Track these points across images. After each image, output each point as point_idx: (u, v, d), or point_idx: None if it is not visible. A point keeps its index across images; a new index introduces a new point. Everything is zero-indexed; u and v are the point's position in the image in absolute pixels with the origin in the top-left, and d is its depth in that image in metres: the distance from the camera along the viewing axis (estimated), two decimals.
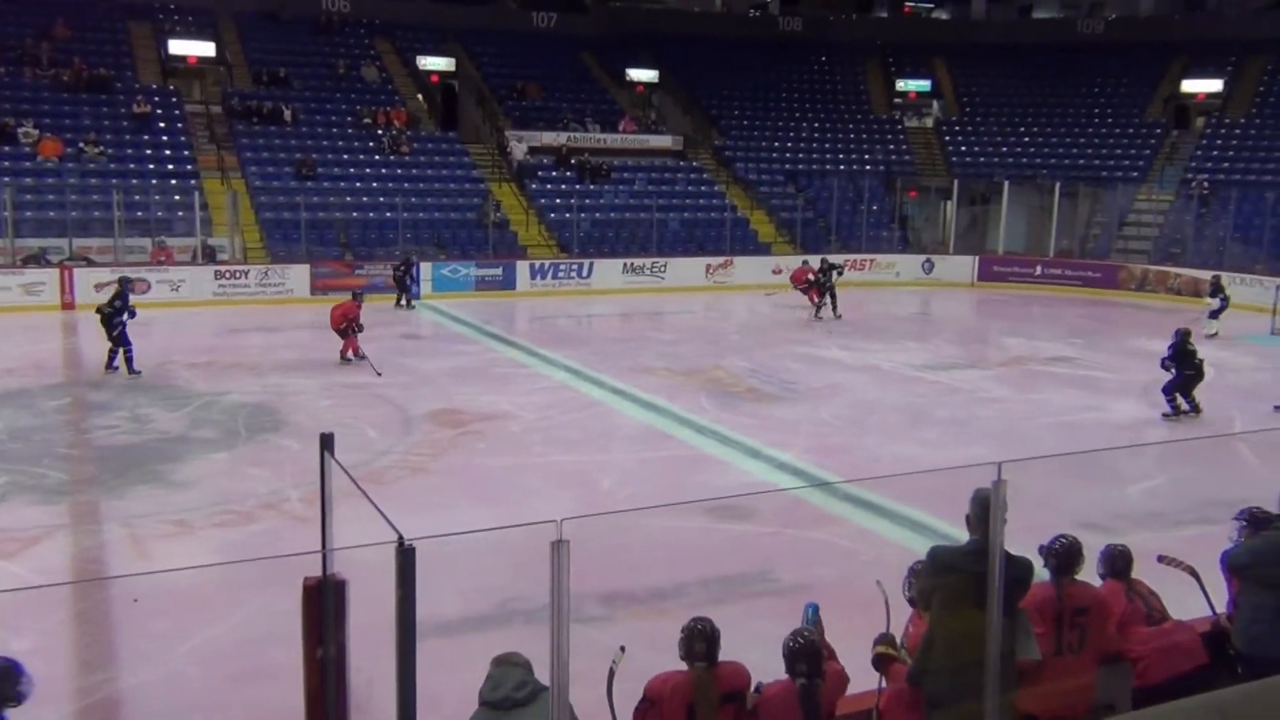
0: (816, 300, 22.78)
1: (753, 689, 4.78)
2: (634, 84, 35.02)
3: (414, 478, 10.81)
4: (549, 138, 31.13)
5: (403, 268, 23.58)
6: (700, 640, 4.69)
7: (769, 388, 15.52)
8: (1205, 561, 5.83)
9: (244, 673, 6.57)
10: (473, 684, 4.41)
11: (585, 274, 26.72)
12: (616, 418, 13.92)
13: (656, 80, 35.02)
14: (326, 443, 4.01)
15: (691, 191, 31.19)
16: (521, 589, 7.70)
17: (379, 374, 15.59)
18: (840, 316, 22.31)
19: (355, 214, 26.81)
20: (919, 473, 9.04)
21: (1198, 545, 5.92)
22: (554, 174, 30.41)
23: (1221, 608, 5.77)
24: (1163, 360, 13.93)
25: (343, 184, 27.66)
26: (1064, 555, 5.34)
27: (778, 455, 11.81)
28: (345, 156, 28.68)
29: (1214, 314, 20.84)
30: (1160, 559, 6.22)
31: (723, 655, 4.81)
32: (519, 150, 30.64)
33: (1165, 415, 13.84)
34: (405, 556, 3.34)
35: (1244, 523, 5.79)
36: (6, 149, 25.23)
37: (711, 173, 32.26)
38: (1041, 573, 5.39)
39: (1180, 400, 13.85)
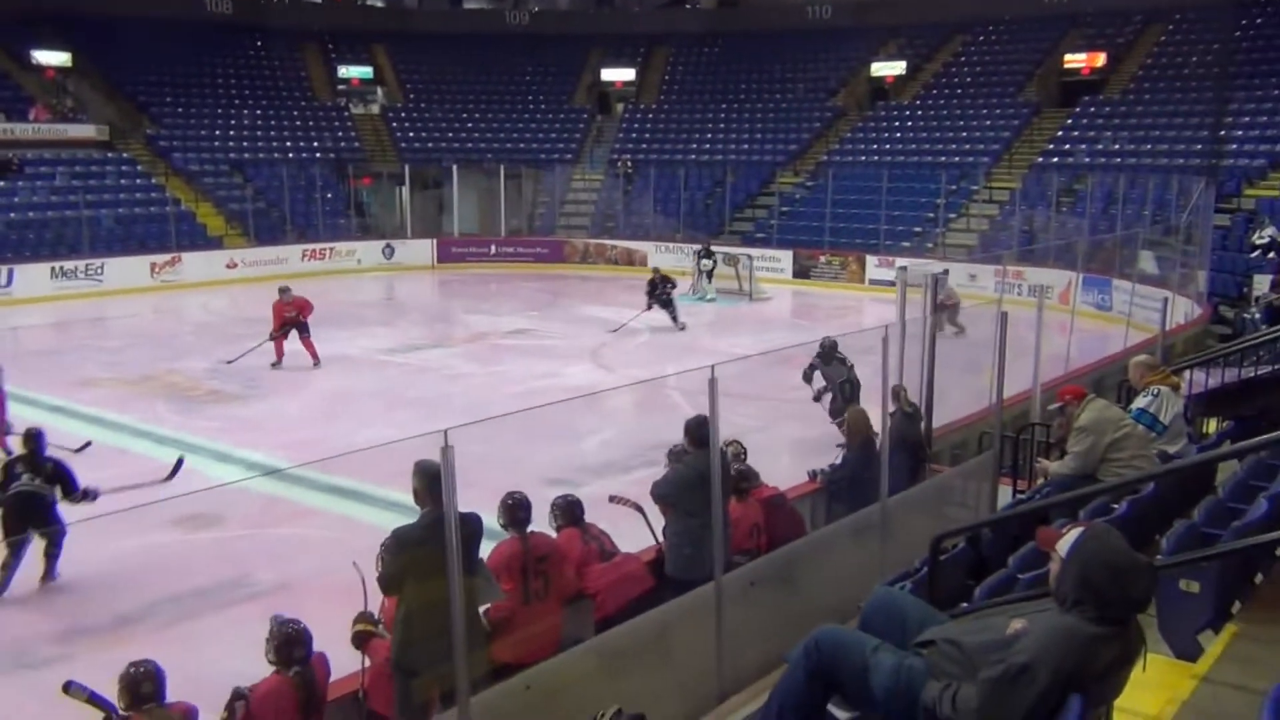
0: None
1: (233, 697, 4.63)
2: (43, 68, 31.31)
3: None
4: None
5: None
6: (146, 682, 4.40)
7: (232, 387, 14.84)
8: (649, 500, 6.61)
9: None
10: None
11: (4, 282, 23.54)
12: (58, 439, 12.51)
13: (70, 64, 31.58)
14: None
15: (125, 185, 28.62)
16: None
17: None
18: (683, 327, 19.55)
19: None
20: (370, 449, 9.14)
21: (645, 485, 6.67)
22: None
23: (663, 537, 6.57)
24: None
25: None
26: (516, 509, 5.78)
27: (248, 455, 11.38)
28: None
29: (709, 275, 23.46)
30: (611, 499, 6.96)
31: (206, 666, 4.64)
32: None
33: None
34: None
35: (670, 460, 6.65)
36: None
37: (146, 164, 29.84)
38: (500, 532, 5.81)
39: None
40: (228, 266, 26.88)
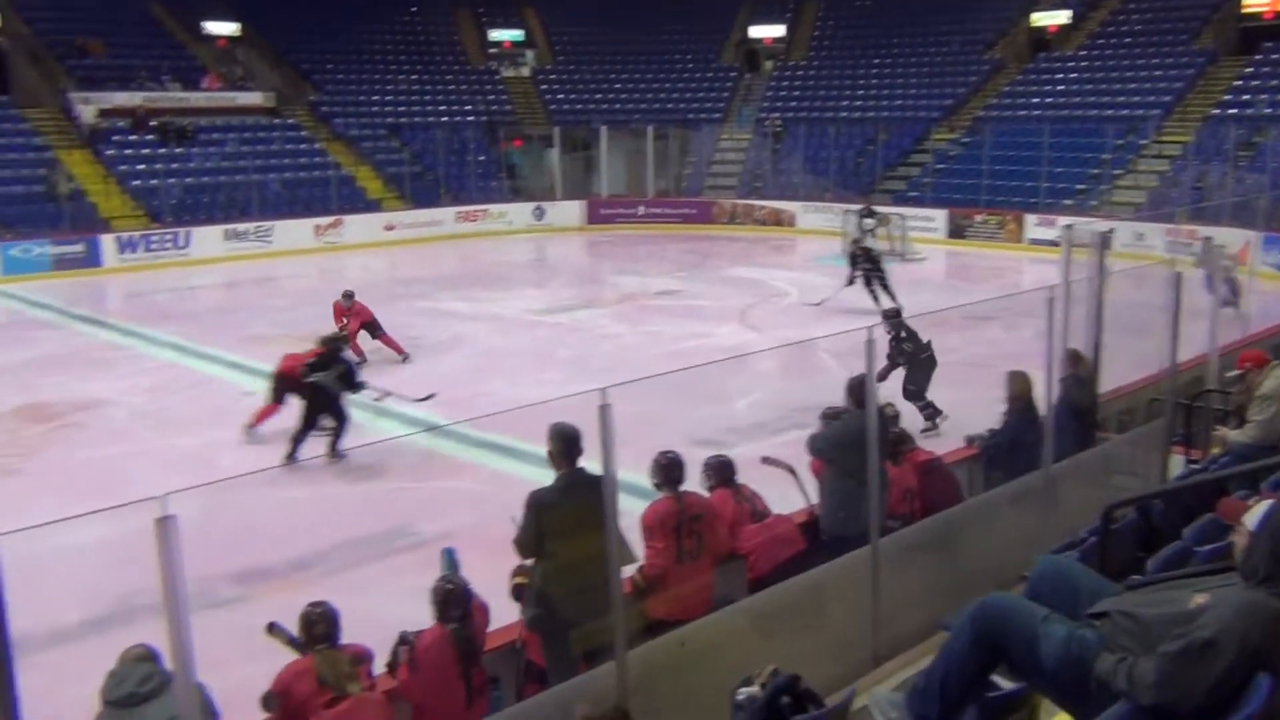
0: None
1: (398, 642, 4.82)
2: (215, 38, 32.79)
3: (3, 481, 9.75)
4: (122, 98, 28.48)
5: None
6: (322, 623, 4.60)
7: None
8: (801, 461, 6.57)
9: None
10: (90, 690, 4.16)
11: (182, 243, 24.90)
12: (232, 392, 13.23)
13: (240, 34, 32.99)
14: None
15: (289, 150, 29.79)
16: (143, 582, 7.22)
17: None
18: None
19: None
20: (532, 405, 9.32)
21: (795, 448, 6.63)
22: (131, 137, 27.93)
23: (816, 499, 6.53)
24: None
25: None
26: (670, 469, 5.81)
27: (406, 411, 11.76)
28: None
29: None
30: (764, 460, 6.93)
31: (372, 611, 4.84)
32: (88, 113, 27.84)
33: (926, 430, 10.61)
34: None
35: (824, 419, 6.58)
36: None
37: (309, 130, 30.99)
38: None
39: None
40: (386, 229, 27.73)
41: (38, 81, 29.26)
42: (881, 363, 10.56)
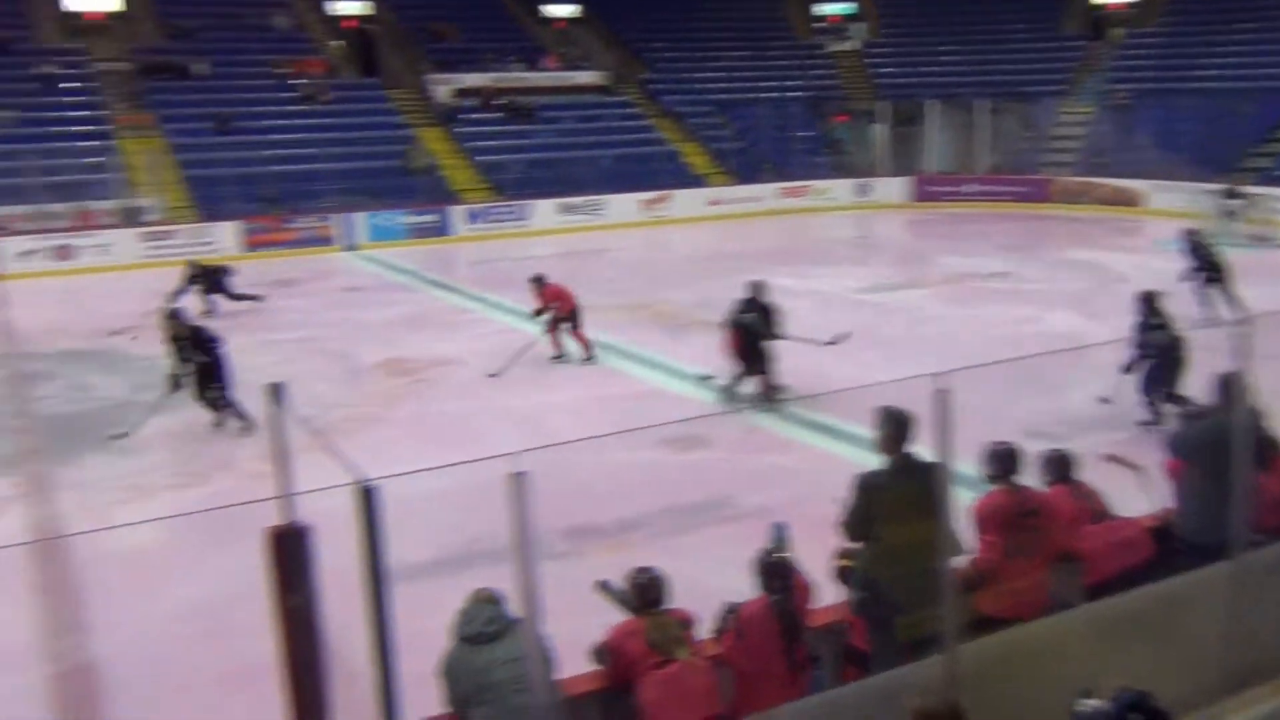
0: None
1: (726, 610, 4.91)
2: (554, 20, 34.53)
3: (369, 428, 10.79)
4: (472, 79, 30.67)
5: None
6: (655, 588, 4.72)
7: (716, 318, 15.59)
8: (1148, 461, 6.08)
9: (216, 630, 6.60)
10: (440, 623, 4.50)
11: (522, 215, 26.53)
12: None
13: (578, 15, 34.57)
14: (275, 391, 3.96)
15: (621, 127, 30.96)
16: (485, 529, 7.77)
17: None
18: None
19: (279, 167, 26.23)
20: (862, 388, 9.17)
21: (1140, 447, 6.15)
22: (479, 115, 29.99)
23: (1166, 503, 6.02)
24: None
25: (262, 136, 27.02)
26: (1004, 460, 5.52)
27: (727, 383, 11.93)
28: (263, 109, 28.03)
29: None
30: (1108, 457, 6.47)
31: (693, 578, 4.95)
32: (443, 93, 30.16)
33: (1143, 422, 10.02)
34: (366, 497, 3.35)
35: (1185, 418, 6.03)
36: None
37: (640, 107, 32.03)
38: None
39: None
40: (710, 204, 28.23)
41: (400, 65, 32.02)
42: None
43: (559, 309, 13.54)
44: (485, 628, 4.39)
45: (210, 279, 17.23)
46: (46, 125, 25.34)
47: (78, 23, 29.31)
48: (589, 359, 13.50)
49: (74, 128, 25.69)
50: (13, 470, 9.92)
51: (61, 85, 26.69)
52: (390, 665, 3.52)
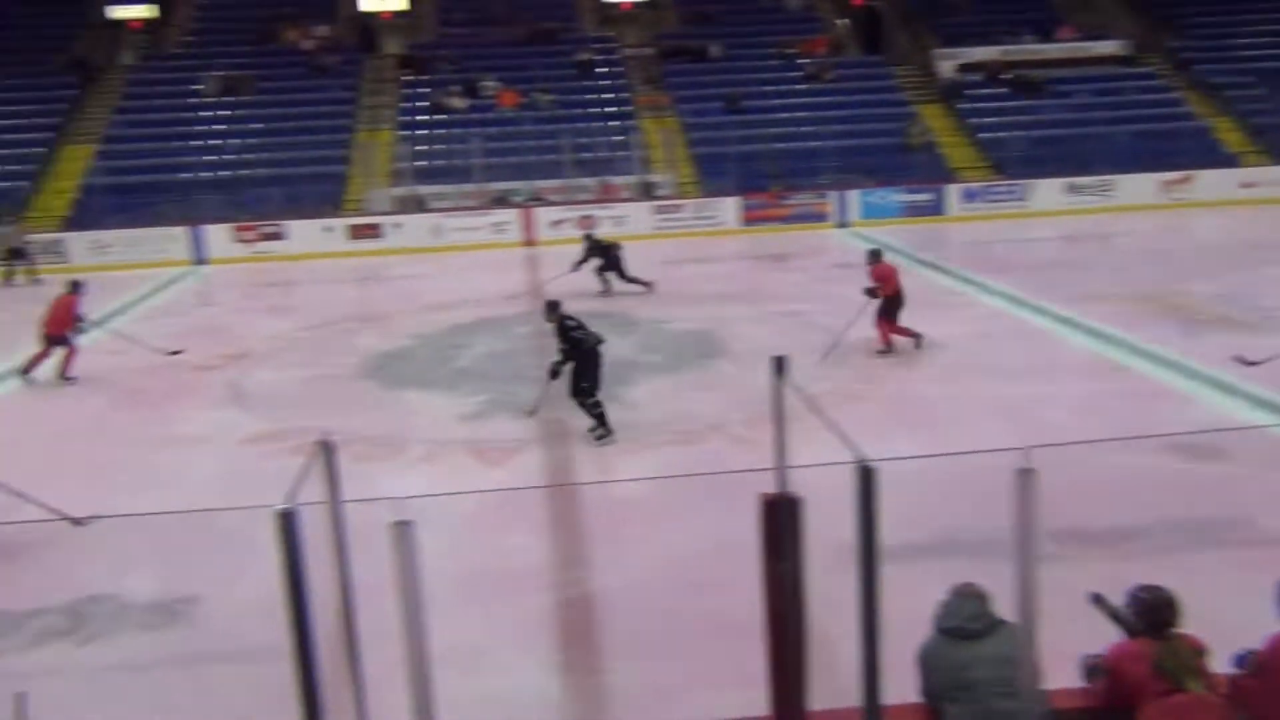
0: None
1: (1088, 664, 4.35)
2: None
3: (850, 405, 10.84)
4: (980, 53, 29.60)
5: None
6: (1166, 609, 4.25)
7: (1244, 315, 13.87)
8: None
9: (699, 583, 6.98)
10: (917, 610, 4.38)
11: (1022, 196, 25.24)
12: (1061, 347, 13.12)
13: None
14: (779, 365, 4.07)
15: (1142, 100, 28.30)
16: (963, 520, 7.54)
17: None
18: None
19: (781, 145, 27.11)
20: None
21: None
22: (985, 91, 28.88)
23: None
24: None
25: (768, 115, 28.03)
26: None
27: (1257, 391, 10.55)
28: (769, 89, 29.04)
29: None
30: None
31: (1201, 606, 4.42)
32: (947, 68, 29.42)
33: None
34: (866, 477, 3.32)
35: None
36: (474, 102, 28.12)
37: (1165, 78, 29.08)
38: None
39: None
40: (1242, 186, 25.09)
41: (905, 41, 31.67)
42: None
43: (880, 291, 12.82)
44: (968, 623, 4.23)
45: (606, 255, 17.80)
46: (580, 107, 28.17)
47: (613, 13, 32.21)
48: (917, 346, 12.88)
49: (603, 109, 28.31)
50: (534, 416, 11.18)
51: (596, 71, 29.50)
52: (875, 644, 3.50)
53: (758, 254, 20.47)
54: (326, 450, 3.47)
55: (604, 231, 23.88)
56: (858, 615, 3.49)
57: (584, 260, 17.68)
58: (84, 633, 6.67)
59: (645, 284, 17.59)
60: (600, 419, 10.06)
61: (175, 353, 14.09)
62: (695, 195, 25.49)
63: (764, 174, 26.21)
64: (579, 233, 20.11)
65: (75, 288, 13.64)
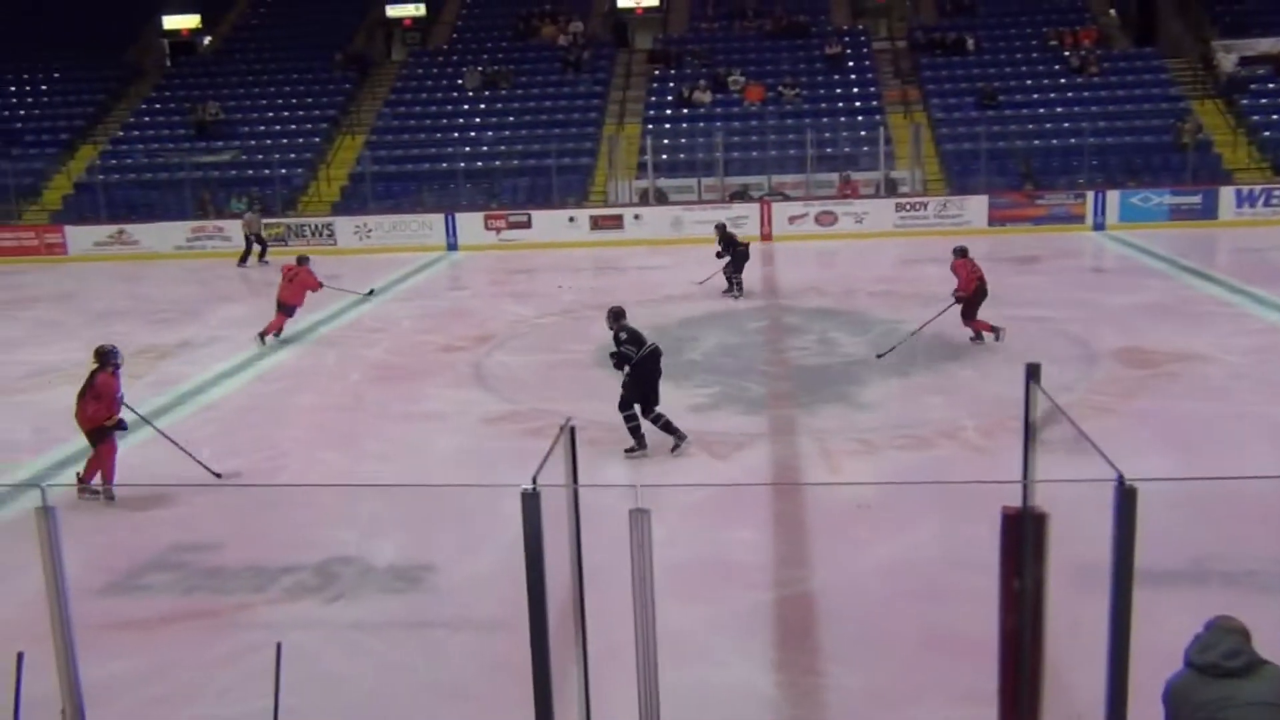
0: None
1: None
2: None
3: (1099, 419, 10.21)
4: (1266, 44, 27.18)
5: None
6: None
7: None
8: None
9: (921, 591, 6.76)
10: (1163, 641, 4.07)
11: None
12: None
13: None
14: (1032, 372, 3.88)
15: None
16: (1221, 547, 6.96)
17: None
18: None
19: (1037, 141, 25.87)
20: None
21: None
22: (1270, 86, 26.51)
23: None
24: None
25: (1025, 111, 26.81)
26: None
27: None
28: (1029, 82, 27.79)
29: None
30: None
31: None
32: (1227, 62, 27.19)
33: None
34: (1126, 497, 3.11)
35: None
36: (719, 96, 28.27)
37: None
38: None
39: None
40: None
41: (1181, 31, 29.52)
42: None
43: (959, 291, 13.15)
44: (1225, 660, 3.88)
45: (734, 252, 17.26)
46: (825, 101, 27.83)
47: (866, 5, 31.63)
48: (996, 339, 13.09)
49: (848, 104, 27.86)
50: (762, 410, 11.13)
51: (844, 65, 29.04)
52: (1124, 674, 3.29)
53: (1004, 255, 19.57)
54: (568, 434, 3.55)
55: (842, 228, 23.55)
56: (1101, 641, 3.28)
57: (723, 254, 17.44)
58: (331, 591, 7.15)
59: (732, 284, 17.22)
60: (636, 435, 9.53)
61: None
62: (941, 193, 24.69)
63: (1016, 172, 25.09)
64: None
65: (303, 261, 15.38)
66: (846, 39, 29.78)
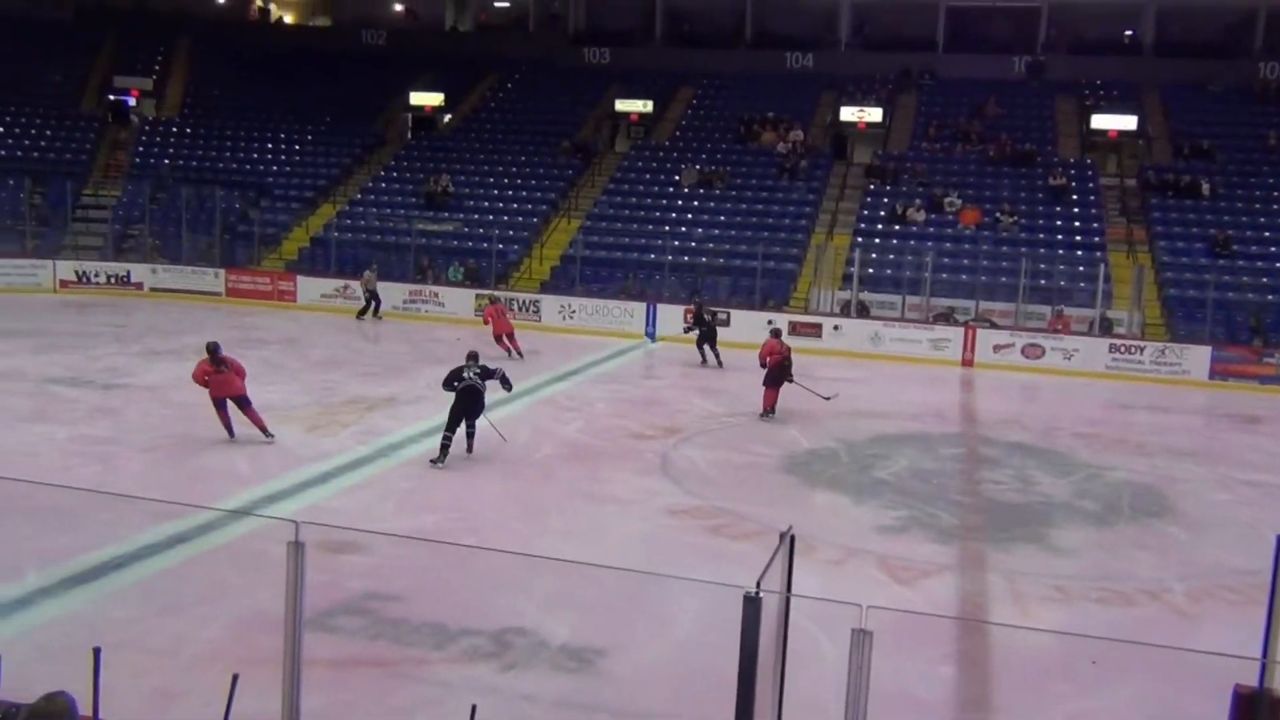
0: None
1: None
2: None
3: None
4: None
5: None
6: None
7: None
8: None
9: None
10: None
11: None
12: None
13: None
14: None
15: None
16: None
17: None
18: None
19: (1270, 297, 24.44)
20: None
21: None
22: None
23: None
24: None
25: (1260, 264, 25.42)
26: None
27: None
28: (1266, 234, 26.37)
29: None
30: None
31: None
32: None
33: None
34: None
35: None
36: (933, 216, 28.02)
37: None
38: None
39: None
40: None
41: None
42: None
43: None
44: None
45: (706, 325, 21.26)
46: (1044, 232, 27.17)
47: (1097, 139, 30.89)
48: None
49: (1068, 237, 27.10)
50: (952, 541, 10.77)
51: (1068, 197, 28.34)
52: None
53: (1225, 411, 18.47)
54: (788, 543, 3.56)
55: (1049, 363, 22.76)
56: None
57: (691, 329, 20.65)
58: (505, 659, 7.27)
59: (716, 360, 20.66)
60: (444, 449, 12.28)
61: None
62: (1161, 338, 23.55)
63: (1245, 325, 23.72)
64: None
65: (495, 300, 20.37)
66: (1073, 171, 29.10)
